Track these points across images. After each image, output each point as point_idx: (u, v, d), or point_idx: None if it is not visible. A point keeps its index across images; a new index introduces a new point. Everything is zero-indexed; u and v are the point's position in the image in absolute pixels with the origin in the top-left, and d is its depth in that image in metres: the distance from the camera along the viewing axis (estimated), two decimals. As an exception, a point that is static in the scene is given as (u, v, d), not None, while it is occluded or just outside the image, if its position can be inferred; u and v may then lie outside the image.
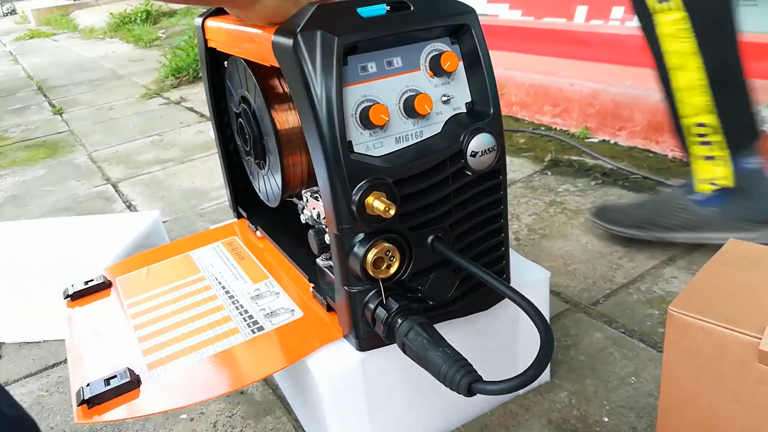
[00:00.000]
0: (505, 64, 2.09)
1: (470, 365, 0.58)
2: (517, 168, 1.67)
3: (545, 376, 0.90)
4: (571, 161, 1.66)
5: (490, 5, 2.44)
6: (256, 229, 1.00)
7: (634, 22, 1.13)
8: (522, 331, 0.84)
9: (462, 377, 0.56)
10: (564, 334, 1.00)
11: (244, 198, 1.07)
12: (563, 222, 1.36)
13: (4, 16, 11.21)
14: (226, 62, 0.94)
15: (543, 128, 1.92)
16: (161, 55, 3.77)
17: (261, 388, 0.97)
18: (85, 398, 0.68)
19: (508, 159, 1.72)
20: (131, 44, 5.19)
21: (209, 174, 1.95)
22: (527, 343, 0.85)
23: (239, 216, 1.08)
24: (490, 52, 0.68)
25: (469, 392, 0.56)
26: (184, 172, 2.02)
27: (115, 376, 0.70)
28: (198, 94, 3.02)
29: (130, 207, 1.79)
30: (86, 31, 6.57)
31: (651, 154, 1.63)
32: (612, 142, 1.74)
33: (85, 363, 0.77)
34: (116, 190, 1.94)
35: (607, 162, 1.60)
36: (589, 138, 1.78)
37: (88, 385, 0.70)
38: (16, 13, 11.01)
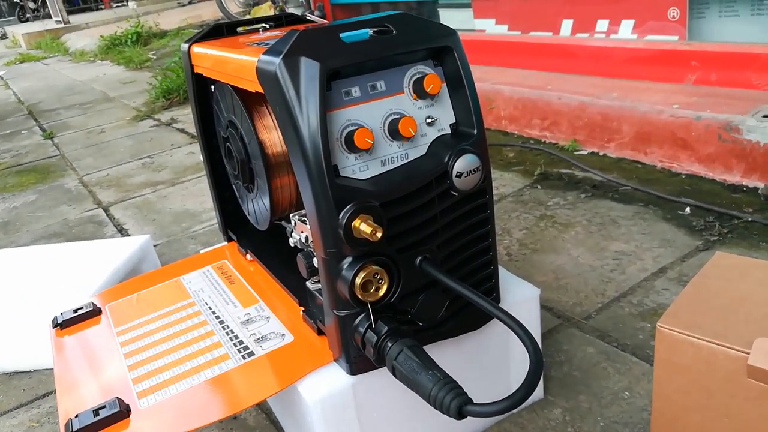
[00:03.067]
0: (493, 79, 2.10)
1: (460, 387, 0.58)
2: (507, 182, 1.68)
3: (539, 393, 0.90)
4: (560, 174, 1.67)
5: (477, 21, 2.46)
6: (246, 253, 1.00)
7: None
8: (513, 350, 0.84)
9: (452, 400, 0.56)
10: (557, 349, 1.00)
11: (233, 221, 1.07)
12: (554, 236, 1.36)
13: (-5, 40, 11.23)
14: (213, 86, 0.95)
15: (532, 142, 1.93)
16: (152, 76, 3.78)
17: (254, 413, 0.96)
18: (74, 430, 0.67)
19: (498, 173, 1.73)
20: (122, 66, 5.20)
21: (200, 196, 1.95)
22: (519, 361, 0.85)
23: (229, 239, 1.08)
24: (477, 67, 0.69)
25: (460, 415, 0.56)
26: (175, 194, 2.02)
27: (104, 407, 0.70)
28: (189, 115, 3.02)
29: (121, 231, 1.79)
30: (77, 54, 6.58)
31: (640, 165, 1.64)
32: (601, 154, 1.75)
33: (74, 393, 0.76)
34: (107, 214, 1.93)
35: (596, 174, 1.61)
36: (578, 150, 1.79)
37: (77, 416, 0.69)
38: (6, 38, 11.03)
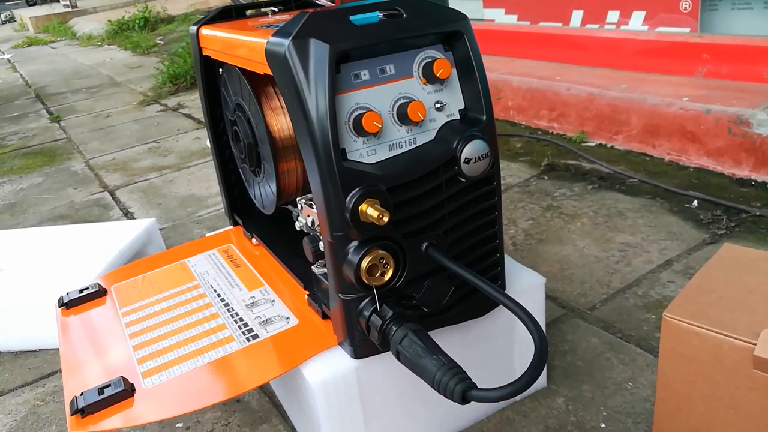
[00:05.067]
0: (501, 69, 2.09)
1: (464, 372, 0.58)
2: (513, 173, 1.67)
3: (542, 381, 0.90)
4: (567, 165, 1.66)
5: (486, 10, 2.44)
6: (252, 237, 1.00)
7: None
8: (518, 337, 0.84)
9: (456, 385, 0.56)
10: (561, 339, 1.00)
11: (240, 205, 1.07)
12: (560, 227, 1.36)
13: (3, 23, 11.23)
14: (221, 69, 0.95)
15: (540, 132, 1.92)
16: (159, 61, 3.77)
17: (257, 395, 0.97)
18: (79, 407, 0.67)
19: (505, 164, 1.73)
20: (129, 51, 5.20)
21: (206, 181, 1.95)
22: (524, 348, 0.85)
23: (235, 223, 1.08)
24: (486, 56, 0.68)
25: (463, 400, 0.56)
26: (181, 179, 2.02)
27: (109, 385, 0.70)
28: (195, 101, 3.01)
29: (127, 214, 1.79)
30: (84, 38, 6.57)
31: (647, 158, 1.63)
32: (608, 146, 1.74)
33: (79, 372, 0.76)
34: (113, 198, 1.93)
35: (603, 166, 1.60)
36: (585, 142, 1.78)
37: (81, 394, 0.70)
38: (14, 21, 11.03)
